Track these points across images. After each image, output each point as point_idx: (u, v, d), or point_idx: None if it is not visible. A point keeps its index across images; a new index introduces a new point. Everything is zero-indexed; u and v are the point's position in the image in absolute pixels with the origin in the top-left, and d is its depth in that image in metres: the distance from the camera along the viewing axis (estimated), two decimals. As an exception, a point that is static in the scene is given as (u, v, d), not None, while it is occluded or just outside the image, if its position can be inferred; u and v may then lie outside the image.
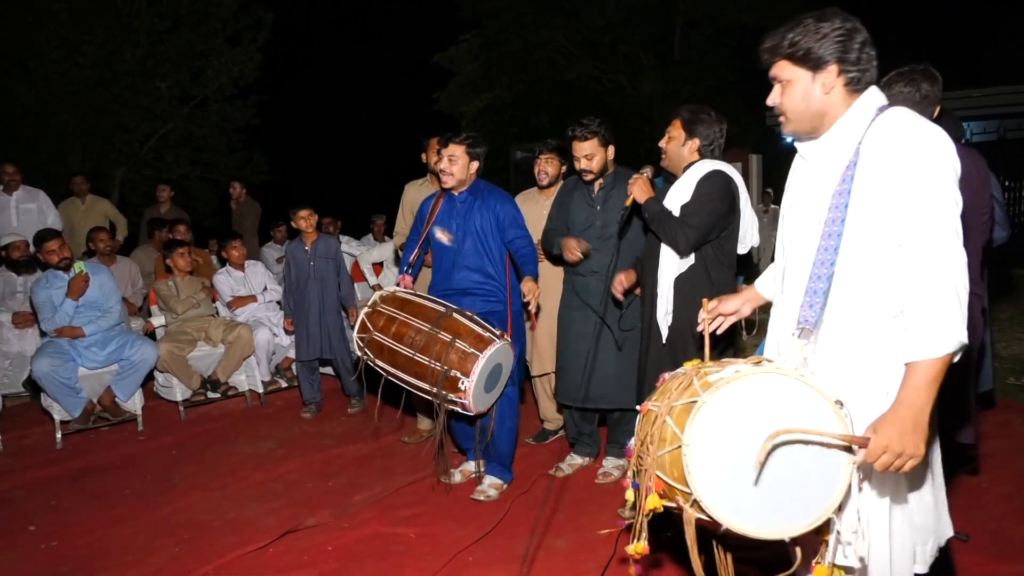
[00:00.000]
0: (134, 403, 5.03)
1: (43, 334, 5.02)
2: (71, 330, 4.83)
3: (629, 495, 1.76)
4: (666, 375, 1.93)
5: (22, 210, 6.41)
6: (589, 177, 3.59)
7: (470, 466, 3.88)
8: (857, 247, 1.62)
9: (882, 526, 1.67)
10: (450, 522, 3.37)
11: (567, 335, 3.73)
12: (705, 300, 2.10)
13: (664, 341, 2.98)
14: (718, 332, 2.13)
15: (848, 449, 1.53)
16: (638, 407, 1.94)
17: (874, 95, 1.68)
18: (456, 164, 3.54)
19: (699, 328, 2.07)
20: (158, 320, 5.67)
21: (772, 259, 2.03)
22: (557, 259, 3.80)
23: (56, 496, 3.88)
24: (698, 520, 1.62)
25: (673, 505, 1.66)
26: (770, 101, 1.75)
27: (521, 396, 3.80)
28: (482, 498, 3.57)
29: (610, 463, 3.84)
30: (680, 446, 1.56)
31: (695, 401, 1.59)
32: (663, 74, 16.66)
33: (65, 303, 4.83)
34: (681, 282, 2.93)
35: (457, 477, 3.83)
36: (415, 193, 4.61)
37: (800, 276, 1.73)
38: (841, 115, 1.68)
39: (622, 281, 3.28)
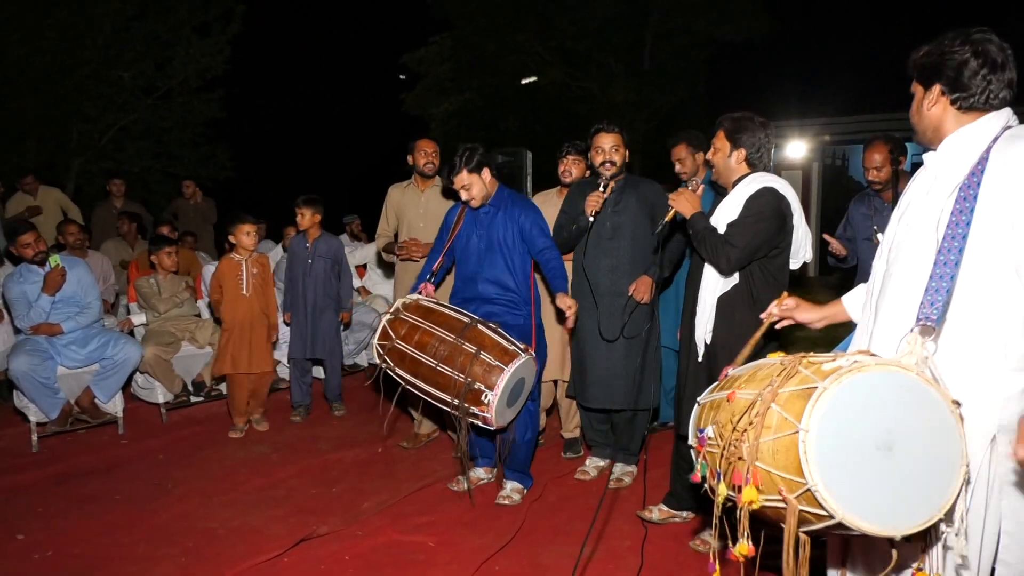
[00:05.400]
0: (115, 405, 4.80)
1: (18, 331, 4.76)
2: (48, 327, 4.59)
3: (722, 489, 1.65)
4: (729, 370, 1.91)
5: None
6: (611, 171, 3.57)
7: (479, 473, 3.82)
8: (983, 248, 1.63)
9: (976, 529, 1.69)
10: (467, 530, 3.30)
11: (584, 338, 3.73)
12: (785, 293, 2.11)
13: (700, 358, 2.91)
14: (776, 327, 2.14)
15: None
16: (699, 400, 1.91)
17: (999, 117, 1.72)
18: (472, 189, 3.51)
19: (763, 315, 2.06)
20: (138, 318, 5.44)
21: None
22: (563, 250, 3.78)
23: (41, 502, 3.67)
24: (801, 513, 1.53)
25: (772, 496, 1.57)
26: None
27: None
28: (507, 502, 3.54)
29: (619, 469, 3.83)
30: (793, 432, 1.49)
31: (812, 387, 1.52)
32: (634, 83, 16.83)
33: (41, 299, 4.57)
34: (722, 301, 2.86)
35: (465, 484, 3.76)
36: (399, 196, 4.54)
37: (912, 277, 1.74)
38: (952, 132, 1.74)
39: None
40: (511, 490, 3.60)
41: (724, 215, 2.86)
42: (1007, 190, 1.61)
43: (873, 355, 1.64)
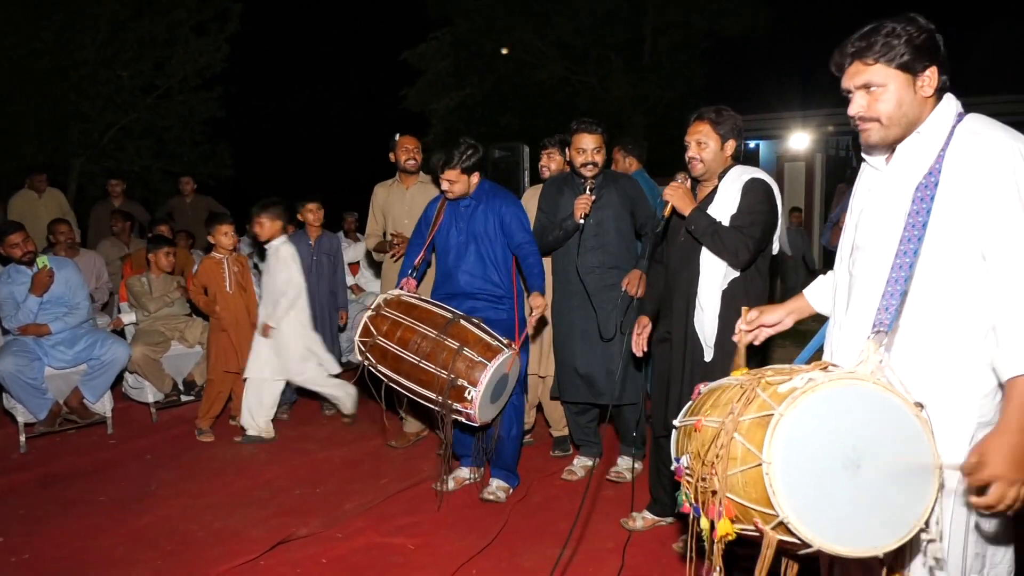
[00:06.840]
0: (103, 405, 4.79)
1: (5, 332, 4.76)
2: (36, 327, 4.58)
3: (704, 524, 1.60)
4: (702, 387, 1.84)
5: None
6: (592, 172, 3.53)
7: (463, 473, 3.78)
8: (938, 252, 1.57)
9: (960, 529, 1.64)
10: (448, 532, 3.27)
11: (575, 337, 3.67)
12: (744, 309, 2.01)
13: (709, 359, 2.82)
14: (756, 343, 2.03)
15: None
16: (675, 423, 1.84)
17: (952, 101, 1.63)
18: (456, 186, 3.49)
19: (735, 338, 2.00)
20: (128, 317, 5.43)
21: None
22: (548, 252, 3.74)
23: (24, 504, 3.66)
24: (781, 542, 1.49)
25: (748, 527, 1.53)
26: (857, 111, 1.65)
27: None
28: (492, 498, 3.52)
29: (624, 463, 3.79)
30: (758, 465, 1.44)
31: (770, 415, 1.46)
32: (632, 78, 16.75)
33: (28, 300, 4.57)
34: (724, 296, 2.79)
35: (450, 484, 3.72)
36: (384, 194, 4.51)
37: (873, 282, 1.67)
38: (925, 119, 1.62)
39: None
40: (496, 487, 3.57)
41: (722, 208, 2.81)
42: (965, 190, 1.53)
43: (831, 366, 1.58)
